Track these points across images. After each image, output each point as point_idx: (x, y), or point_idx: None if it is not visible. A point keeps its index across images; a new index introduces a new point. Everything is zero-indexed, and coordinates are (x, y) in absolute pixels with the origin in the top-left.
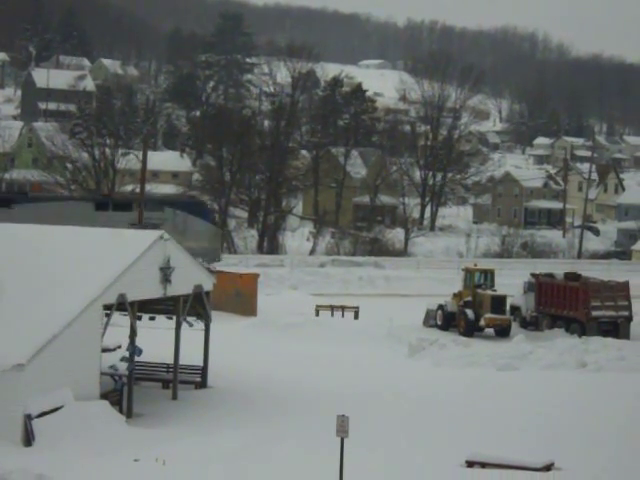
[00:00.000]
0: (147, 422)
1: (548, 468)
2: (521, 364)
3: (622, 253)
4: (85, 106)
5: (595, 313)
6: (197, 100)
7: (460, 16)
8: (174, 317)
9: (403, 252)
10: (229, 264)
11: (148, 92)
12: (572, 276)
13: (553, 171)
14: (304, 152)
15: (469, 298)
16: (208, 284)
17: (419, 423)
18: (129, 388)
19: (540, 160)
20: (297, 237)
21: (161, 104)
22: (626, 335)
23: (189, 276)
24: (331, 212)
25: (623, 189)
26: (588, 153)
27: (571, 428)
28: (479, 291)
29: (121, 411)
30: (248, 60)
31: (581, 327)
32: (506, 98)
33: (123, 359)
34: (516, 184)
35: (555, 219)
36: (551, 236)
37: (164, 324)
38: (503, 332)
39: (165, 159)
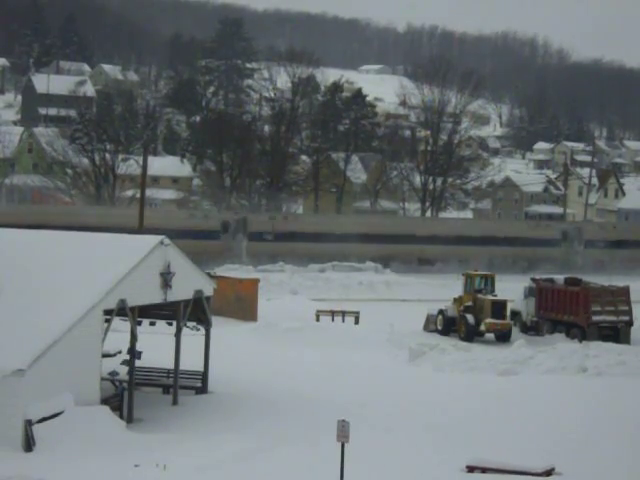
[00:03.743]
0: (147, 427)
1: (549, 473)
2: (521, 369)
3: None
4: (85, 111)
5: (595, 318)
6: (197, 105)
7: (460, 21)
8: (174, 322)
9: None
10: (229, 269)
11: (148, 97)
12: (572, 281)
13: (553, 176)
14: (304, 157)
15: (470, 303)
16: (208, 289)
17: (419, 428)
18: (130, 393)
19: (540, 165)
20: None
21: (161, 109)
22: (627, 340)
23: (189, 281)
24: None
25: (623, 194)
26: (588, 158)
27: (572, 433)
28: (479, 296)
29: (121, 416)
30: (248, 65)
31: (581, 332)
32: (506, 103)
33: (124, 363)
34: (516, 189)
35: None
36: None
37: (164, 329)
38: (503, 337)
39: (165, 164)
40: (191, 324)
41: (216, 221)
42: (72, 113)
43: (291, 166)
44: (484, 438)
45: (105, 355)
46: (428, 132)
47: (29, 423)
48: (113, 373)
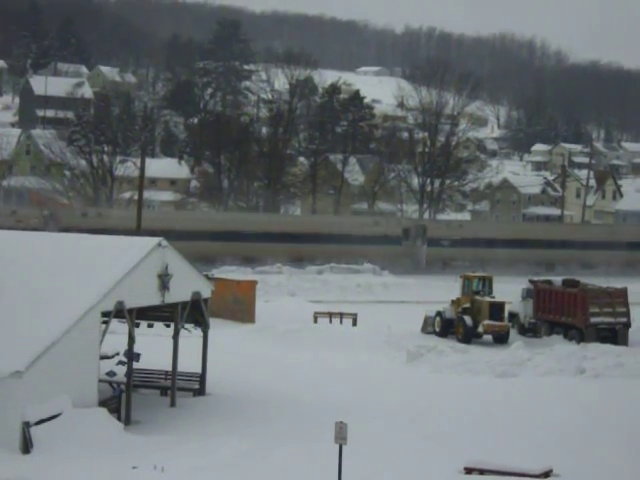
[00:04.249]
0: (145, 429)
1: (547, 474)
2: (519, 371)
3: None
4: (83, 113)
5: (593, 320)
6: (195, 107)
7: (458, 23)
8: (172, 324)
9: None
10: (227, 271)
11: (146, 99)
12: (570, 283)
13: (551, 177)
14: (302, 159)
15: (467, 305)
16: (206, 291)
17: (417, 430)
18: (127, 395)
19: (538, 166)
20: None
21: (159, 111)
22: (624, 341)
23: (187, 283)
24: None
25: (621, 195)
26: (586, 159)
27: (569, 434)
28: (477, 298)
29: (119, 418)
30: (246, 67)
31: (579, 334)
32: (504, 105)
33: (119, 363)
34: (514, 190)
35: None
36: None
37: (162, 331)
38: (501, 339)
39: (163, 166)
40: (189, 326)
41: (398, 228)
42: (70, 115)
43: (289, 168)
44: (482, 440)
45: (103, 357)
46: (426, 134)
47: (27, 425)
48: (111, 374)
